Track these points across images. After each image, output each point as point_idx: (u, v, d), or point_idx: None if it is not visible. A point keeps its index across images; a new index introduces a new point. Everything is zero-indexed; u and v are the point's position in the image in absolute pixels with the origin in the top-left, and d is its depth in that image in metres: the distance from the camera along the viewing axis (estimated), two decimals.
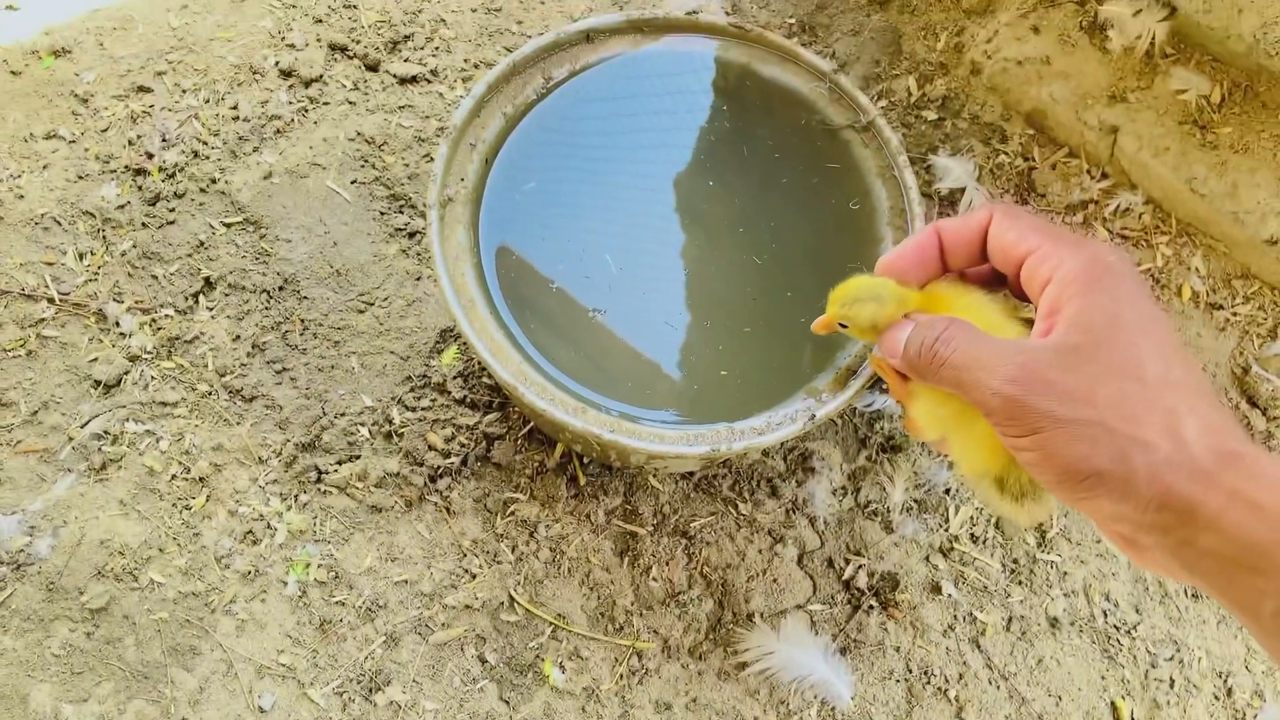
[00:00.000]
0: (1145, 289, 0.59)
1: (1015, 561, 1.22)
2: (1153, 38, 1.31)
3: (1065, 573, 1.22)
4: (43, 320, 1.25)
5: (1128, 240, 1.37)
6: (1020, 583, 1.21)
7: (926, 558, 1.22)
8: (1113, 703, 1.16)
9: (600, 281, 1.11)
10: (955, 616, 1.19)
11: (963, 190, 1.37)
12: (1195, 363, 0.58)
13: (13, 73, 1.41)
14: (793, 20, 1.54)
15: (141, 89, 1.41)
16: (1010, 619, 1.19)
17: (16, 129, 1.37)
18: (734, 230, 1.15)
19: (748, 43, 1.20)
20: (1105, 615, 1.20)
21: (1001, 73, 1.42)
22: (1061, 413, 0.54)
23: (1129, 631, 1.20)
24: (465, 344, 1.27)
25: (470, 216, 1.09)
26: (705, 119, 1.20)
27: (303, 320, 1.27)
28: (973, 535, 1.23)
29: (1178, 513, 0.52)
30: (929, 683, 1.15)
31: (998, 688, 1.16)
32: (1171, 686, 1.17)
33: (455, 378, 1.26)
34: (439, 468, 1.20)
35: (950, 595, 1.19)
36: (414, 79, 1.45)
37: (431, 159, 1.38)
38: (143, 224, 1.31)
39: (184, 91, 1.41)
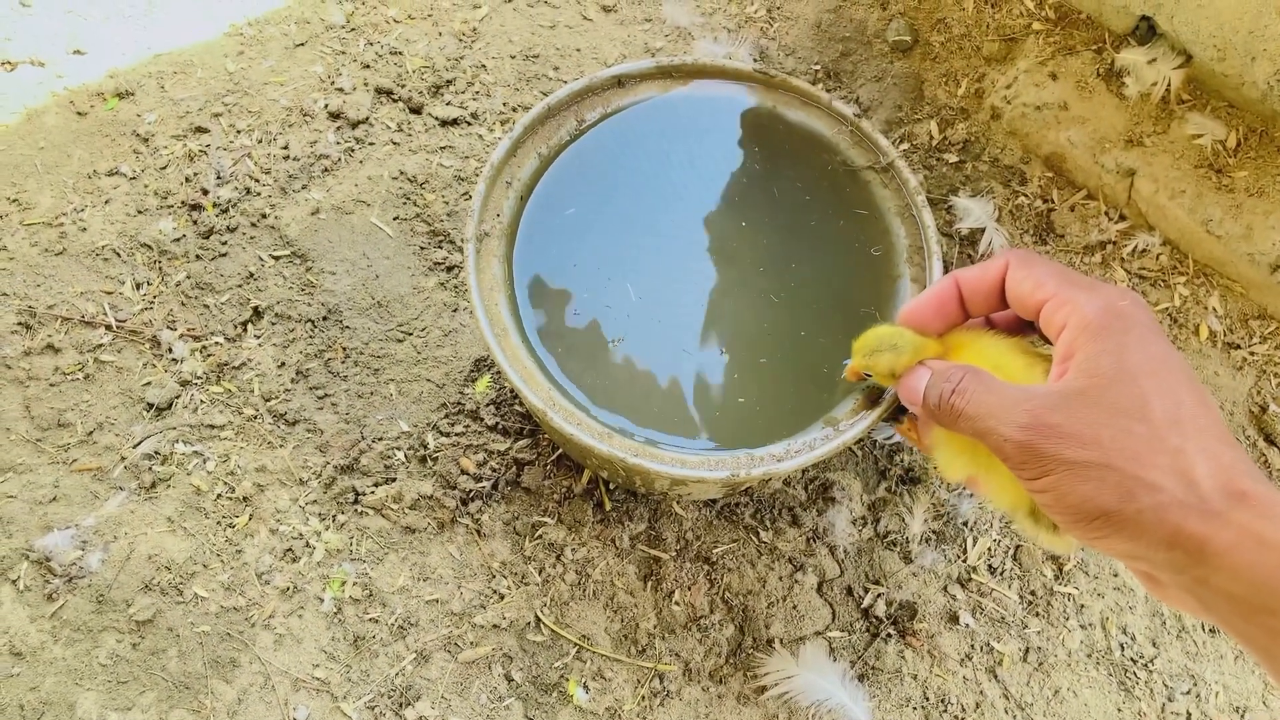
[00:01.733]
0: (1157, 332, 0.61)
1: (1033, 593, 1.24)
2: (1168, 84, 1.35)
3: (1082, 605, 1.24)
4: (100, 346, 1.32)
5: (1145, 280, 1.40)
6: (1038, 614, 1.23)
7: (945, 588, 1.24)
8: None
9: (625, 312, 1.16)
10: (973, 646, 1.21)
11: (983, 230, 1.41)
12: (1211, 402, 0.59)
13: (79, 113, 1.50)
14: (818, 67, 1.59)
15: (199, 129, 1.49)
16: (1027, 650, 1.21)
17: (81, 166, 1.45)
18: (757, 266, 1.20)
19: (772, 88, 1.25)
20: (1122, 648, 1.22)
21: (1021, 117, 1.47)
22: (1069, 455, 0.56)
23: (1146, 665, 1.21)
24: (498, 371, 1.32)
25: (505, 250, 1.15)
26: (730, 160, 1.25)
27: (344, 349, 1.33)
28: (990, 566, 1.25)
29: (1188, 552, 0.53)
30: (946, 710, 1.17)
31: (1014, 717, 1.17)
32: None
33: (488, 405, 1.31)
34: (471, 491, 1.25)
35: (968, 625, 1.22)
36: (455, 121, 1.52)
37: (470, 197, 1.44)
38: (196, 256, 1.38)
39: (238, 132, 1.49)
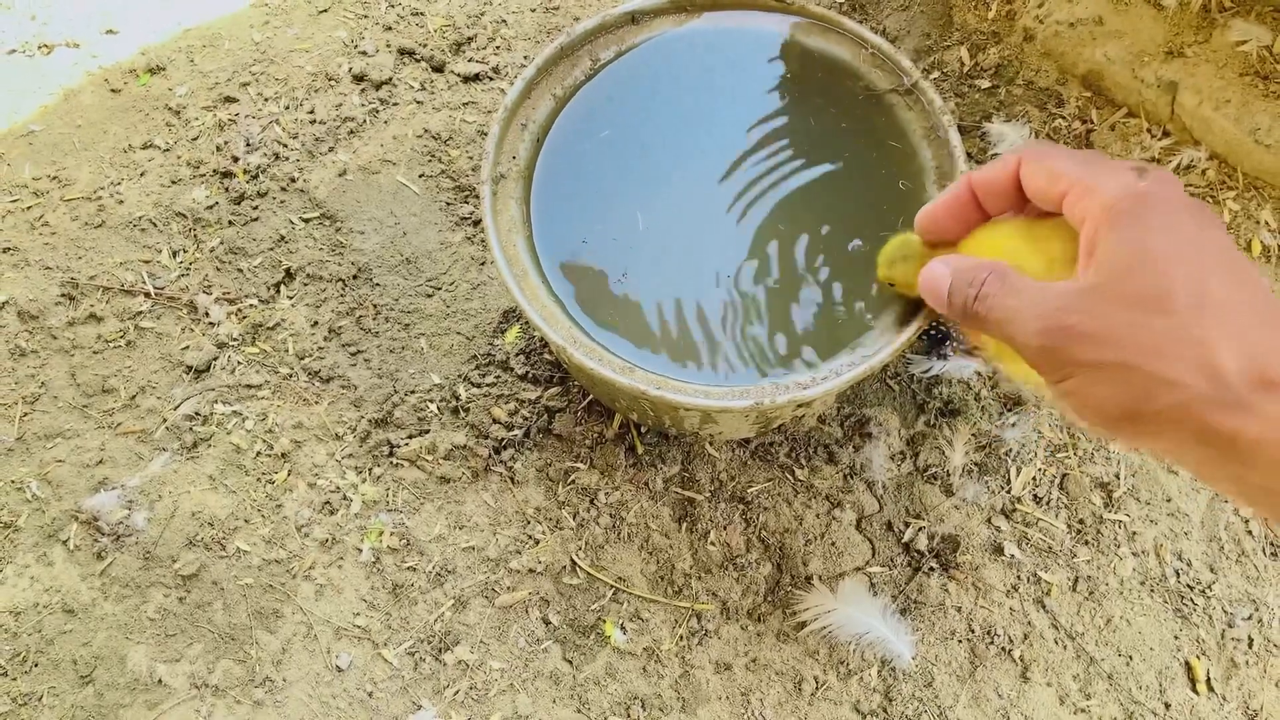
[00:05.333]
0: (1187, 210, 0.55)
1: (1081, 522, 1.20)
2: None
3: (1134, 532, 1.19)
4: (140, 313, 1.35)
5: (1194, 198, 1.34)
6: (1087, 543, 1.19)
7: (988, 520, 1.21)
8: (1187, 662, 1.13)
9: (646, 250, 1.15)
10: (1019, 577, 1.18)
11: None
12: (1252, 278, 0.53)
13: (113, 90, 1.53)
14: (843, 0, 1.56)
15: (228, 99, 1.51)
16: (1077, 579, 1.17)
17: (117, 141, 1.48)
18: (780, 196, 1.18)
19: (790, 15, 1.22)
20: (1178, 575, 1.17)
21: (1055, 36, 1.41)
22: (1087, 357, 0.53)
23: (1204, 591, 1.16)
24: (526, 321, 1.32)
25: (522, 192, 1.14)
26: (749, 91, 1.23)
27: (375, 306, 1.34)
28: (1036, 496, 1.21)
29: (1219, 448, 0.50)
30: (993, 643, 1.14)
31: (1064, 648, 1.14)
32: (1250, 646, 1.14)
33: (518, 355, 1.31)
34: (503, 440, 1.25)
35: (1013, 556, 1.18)
36: (477, 77, 1.52)
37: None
38: (229, 222, 1.41)
39: (266, 100, 1.51)
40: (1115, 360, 0.52)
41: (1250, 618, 1.15)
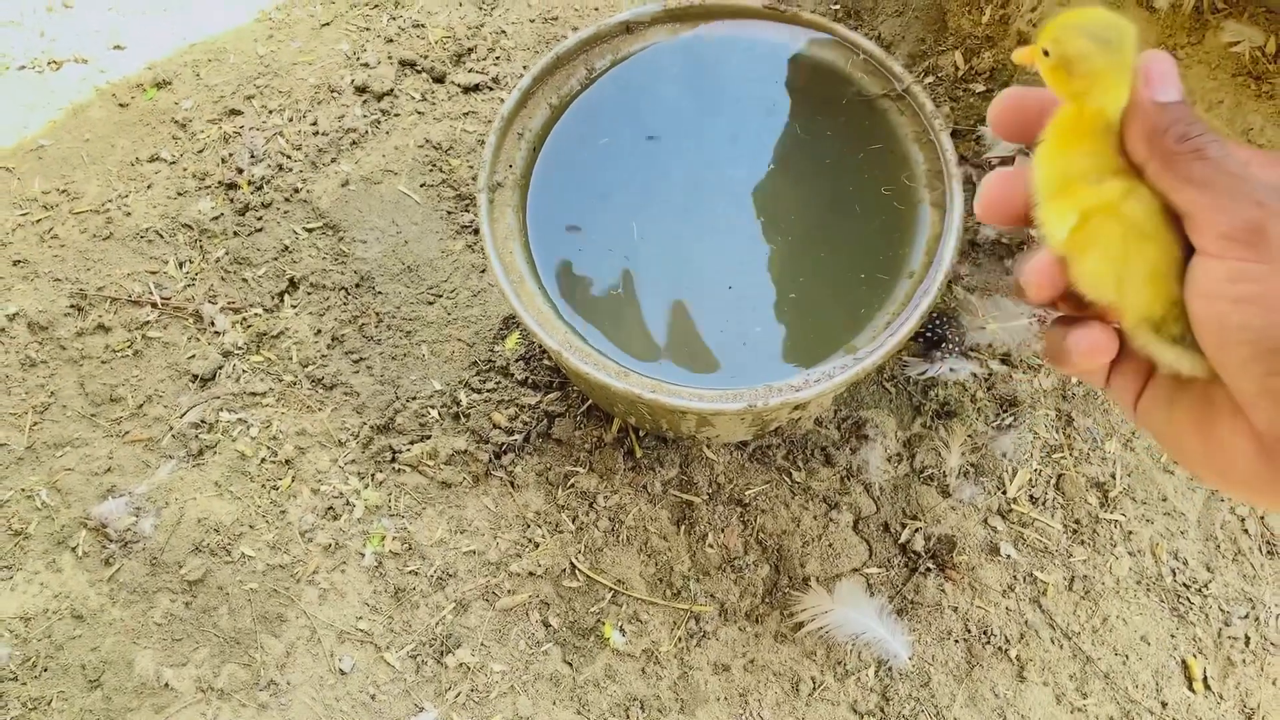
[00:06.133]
0: None
1: (1077, 522, 1.21)
2: None
3: (1130, 532, 1.20)
4: (147, 323, 1.37)
5: None
6: (1082, 543, 1.20)
7: (985, 520, 1.21)
8: (1184, 661, 1.13)
9: (641, 256, 1.16)
10: (1015, 577, 1.18)
11: (1013, 159, 1.37)
12: None
13: (120, 105, 1.55)
14: (837, 6, 1.57)
15: (233, 112, 1.53)
16: (1073, 579, 1.18)
17: (124, 154, 1.51)
18: (773, 200, 1.19)
19: (783, 23, 1.24)
20: (1174, 573, 1.18)
21: None
22: None
23: (1200, 589, 1.17)
24: (525, 326, 1.34)
25: (518, 200, 1.16)
26: (743, 98, 1.24)
27: (377, 313, 1.36)
28: (1032, 497, 1.22)
29: None
30: (989, 642, 1.15)
31: (1061, 647, 1.14)
32: (1247, 644, 1.14)
33: (517, 361, 1.32)
34: (503, 445, 1.26)
35: (1009, 556, 1.19)
36: (477, 87, 1.54)
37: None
38: (234, 233, 1.43)
39: (270, 112, 1.53)
40: None
41: (1247, 616, 1.15)
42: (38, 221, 1.46)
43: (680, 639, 1.16)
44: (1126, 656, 1.14)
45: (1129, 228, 0.47)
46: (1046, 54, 0.51)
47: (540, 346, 1.33)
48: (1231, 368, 0.42)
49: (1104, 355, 0.48)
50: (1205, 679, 1.13)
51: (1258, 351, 0.41)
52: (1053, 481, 1.23)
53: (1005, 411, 1.26)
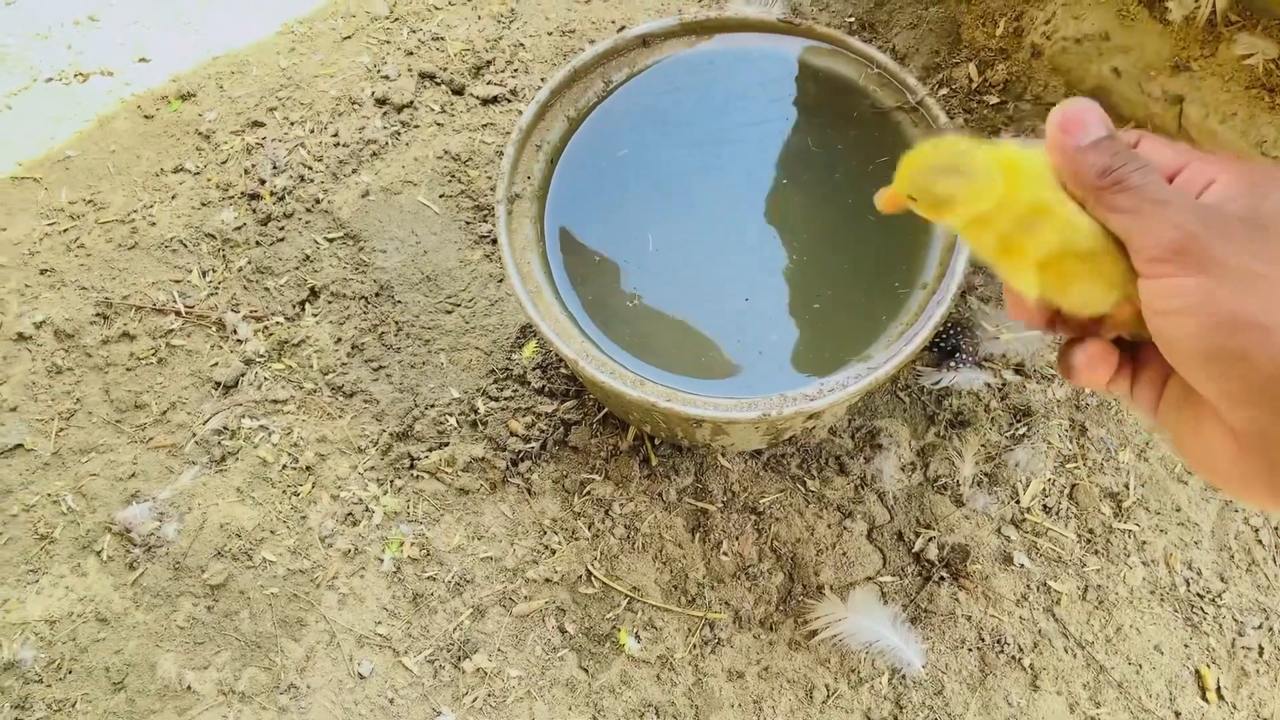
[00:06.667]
0: None
1: (1091, 531, 1.21)
2: (1213, 5, 1.30)
3: (1144, 542, 1.20)
4: (171, 331, 1.39)
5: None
6: (1096, 552, 1.20)
7: (998, 529, 1.22)
8: (1197, 671, 1.14)
9: (658, 267, 1.18)
10: (1028, 586, 1.19)
11: None
12: None
13: (146, 116, 1.58)
14: (852, 19, 1.58)
15: (255, 124, 1.56)
16: (1086, 588, 1.18)
17: (149, 166, 1.53)
18: (788, 212, 1.20)
19: (798, 36, 1.25)
20: (1188, 584, 1.18)
21: (1062, 52, 1.43)
22: (1236, 263, 0.45)
23: (1214, 600, 1.17)
24: (534, 328, 1.35)
25: (536, 211, 1.18)
26: (758, 110, 1.26)
27: (396, 322, 1.38)
28: (1045, 506, 1.23)
29: None
30: (1002, 651, 1.15)
31: (1074, 656, 1.15)
32: (1261, 654, 1.14)
33: (534, 369, 1.34)
34: (520, 452, 1.28)
35: (1023, 565, 1.20)
36: (495, 99, 1.56)
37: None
38: (256, 242, 1.45)
39: (292, 123, 1.56)
40: (1269, 276, 0.44)
41: (1261, 626, 1.16)
42: (64, 231, 1.48)
43: (695, 646, 1.17)
44: (1140, 666, 1.14)
45: (1083, 255, 0.51)
46: (914, 199, 0.58)
47: (557, 355, 1.34)
48: (1188, 375, 0.46)
49: (1104, 368, 0.52)
50: (1219, 689, 1.13)
51: (1201, 360, 0.44)
52: (1066, 491, 1.23)
53: (1019, 421, 1.27)
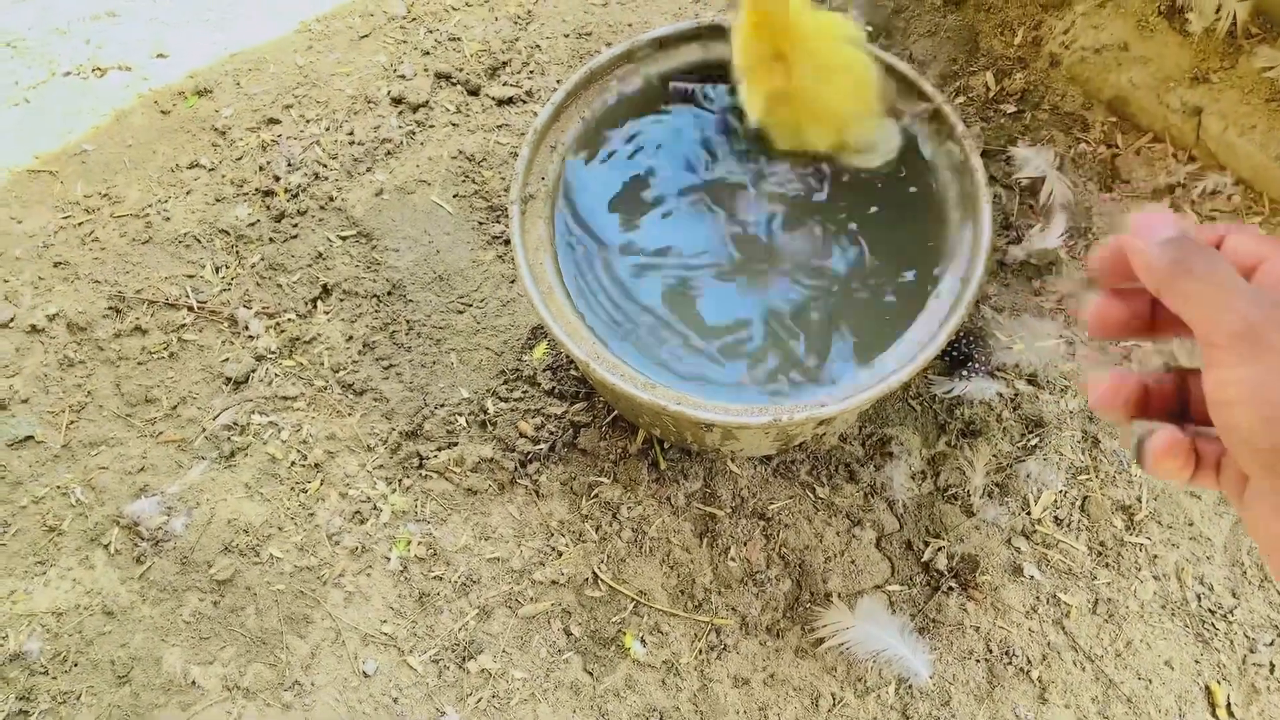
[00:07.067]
0: None
1: (1102, 544, 1.20)
2: (1234, 17, 1.30)
3: (1155, 556, 1.19)
4: (183, 326, 1.39)
5: (1218, 222, 1.35)
6: (1107, 565, 1.19)
7: (1008, 540, 1.21)
8: (1207, 687, 1.13)
9: (671, 270, 1.17)
10: (1038, 598, 1.18)
11: (1043, 179, 1.37)
12: None
13: (162, 112, 1.59)
14: (869, 27, 1.58)
15: (271, 120, 1.56)
16: (1096, 601, 1.17)
17: (165, 161, 1.54)
18: (803, 217, 1.20)
19: None
20: (1199, 599, 1.17)
21: (1080, 62, 1.43)
22: None
23: (1225, 616, 1.16)
24: (553, 337, 1.35)
25: (549, 212, 1.18)
26: None
27: (408, 321, 1.38)
28: (1056, 518, 1.22)
29: None
30: (1010, 663, 1.15)
31: (1083, 669, 1.14)
32: (1272, 672, 1.13)
33: (545, 371, 1.34)
34: (529, 453, 1.28)
35: (1033, 577, 1.19)
36: (511, 100, 1.56)
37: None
38: (270, 239, 1.45)
39: (308, 121, 1.56)
40: None
41: (1272, 643, 1.14)
42: (79, 224, 1.49)
43: (701, 651, 1.17)
44: (1150, 681, 1.13)
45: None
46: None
47: (567, 357, 1.34)
48: (1246, 467, 0.45)
49: (1179, 456, 0.50)
50: (1229, 705, 1.12)
51: (1257, 451, 0.43)
52: (1078, 503, 1.23)
53: (1031, 432, 1.26)
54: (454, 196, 1.48)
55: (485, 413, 1.31)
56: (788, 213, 1.20)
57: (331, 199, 1.48)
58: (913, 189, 1.19)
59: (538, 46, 1.62)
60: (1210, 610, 1.17)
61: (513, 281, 1.41)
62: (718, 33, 1.25)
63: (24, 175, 1.55)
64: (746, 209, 1.22)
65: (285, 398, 1.34)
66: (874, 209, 1.20)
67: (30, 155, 1.57)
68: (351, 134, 1.54)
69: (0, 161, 1.56)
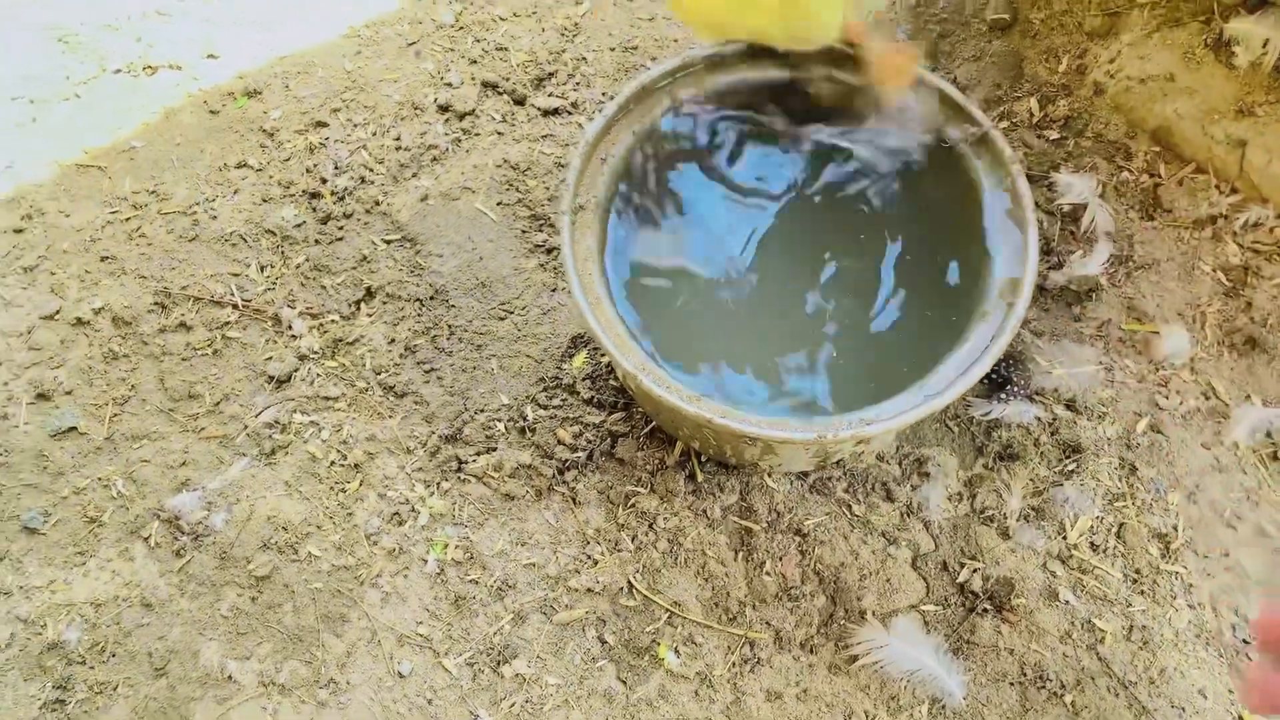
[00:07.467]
0: None
1: (1138, 571, 1.20)
2: None
3: (1191, 585, 1.20)
4: (228, 324, 1.41)
5: (1259, 254, 1.35)
6: (1142, 593, 1.19)
7: (1044, 564, 1.21)
8: (1240, 716, 1.13)
9: (717, 285, 1.19)
10: (1073, 623, 1.18)
11: (1085, 206, 1.38)
12: None
13: (211, 112, 1.61)
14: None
15: (319, 124, 1.58)
16: (1131, 628, 1.17)
17: (213, 160, 1.56)
18: (850, 237, 1.21)
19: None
20: (1234, 629, 1.17)
21: (1125, 91, 1.44)
22: None
23: None
24: (594, 347, 1.36)
25: (599, 223, 1.19)
26: (822, 137, 1.26)
27: (450, 326, 1.40)
28: (1092, 544, 1.22)
29: None
30: (1044, 687, 1.15)
31: (1117, 695, 1.14)
32: None
33: (584, 379, 1.35)
34: (567, 461, 1.29)
35: (1068, 602, 1.19)
36: (556, 111, 1.58)
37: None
38: (315, 240, 1.47)
39: (355, 126, 1.58)
40: None
41: None
42: (127, 220, 1.51)
43: (734, 664, 1.17)
44: (1183, 710, 1.13)
45: None
46: None
47: (607, 366, 1.35)
48: None
49: None
50: None
51: None
52: (1114, 530, 1.23)
53: (1068, 457, 1.27)
54: (498, 204, 1.49)
55: (524, 419, 1.33)
56: (833, 230, 1.21)
57: (377, 203, 1.50)
58: (958, 211, 1.20)
59: (584, 59, 1.63)
60: (1245, 641, 1.17)
61: (554, 290, 1.43)
62: (768, 53, 1.26)
63: (73, 169, 1.57)
64: (790, 224, 1.24)
65: (327, 398, 1.35)
66: (920, 230, 1.21)
67: (80, 150, 1.59)
68: (398, 139, 1.55)
69: (50, 155, 1.59)
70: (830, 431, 1.03)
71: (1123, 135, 1.46)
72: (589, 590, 1.22)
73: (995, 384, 1.30)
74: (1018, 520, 1.24)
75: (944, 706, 1.14)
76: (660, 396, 1.04)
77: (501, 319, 1.40)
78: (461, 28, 1.69)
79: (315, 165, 1.54)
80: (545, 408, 1.33)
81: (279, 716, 1.15)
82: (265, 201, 1.51)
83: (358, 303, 1.42)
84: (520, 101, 1.59)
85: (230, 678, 1.17)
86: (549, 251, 1.46)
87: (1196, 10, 1.41)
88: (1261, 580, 1.20)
